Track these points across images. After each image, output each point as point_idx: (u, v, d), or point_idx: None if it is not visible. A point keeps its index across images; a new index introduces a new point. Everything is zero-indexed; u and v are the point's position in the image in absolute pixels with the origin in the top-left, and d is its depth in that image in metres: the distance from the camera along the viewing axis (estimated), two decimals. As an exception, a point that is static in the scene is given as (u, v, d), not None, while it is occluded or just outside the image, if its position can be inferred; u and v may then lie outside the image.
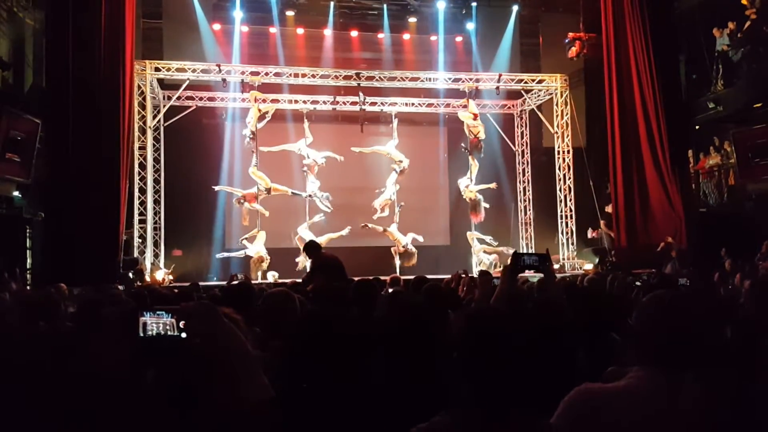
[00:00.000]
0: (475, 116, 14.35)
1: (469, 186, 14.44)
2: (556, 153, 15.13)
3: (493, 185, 14.66)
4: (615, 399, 1.83)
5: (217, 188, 14.12)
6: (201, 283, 9.45)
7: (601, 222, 14.30)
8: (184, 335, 1.54)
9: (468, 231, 14.75)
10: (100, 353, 1.53)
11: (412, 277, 6.84)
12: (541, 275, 3.67)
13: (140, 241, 13.35)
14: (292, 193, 13.98)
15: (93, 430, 1.08)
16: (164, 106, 14.15)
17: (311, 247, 7.10)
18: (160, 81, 14.02)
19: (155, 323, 1.55)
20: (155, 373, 1.50)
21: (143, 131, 13.67)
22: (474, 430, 1.54)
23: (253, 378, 1.52)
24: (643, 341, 1.89)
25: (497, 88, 14.52)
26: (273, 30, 15.45)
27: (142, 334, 1.54)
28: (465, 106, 14.48)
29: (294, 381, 1.89)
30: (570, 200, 14.89)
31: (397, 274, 12.41)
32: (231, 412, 1.42)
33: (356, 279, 4.93)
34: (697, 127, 13.77)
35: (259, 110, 13.57)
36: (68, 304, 4.98)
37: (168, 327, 1.55)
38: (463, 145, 14.68)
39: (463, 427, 1.56)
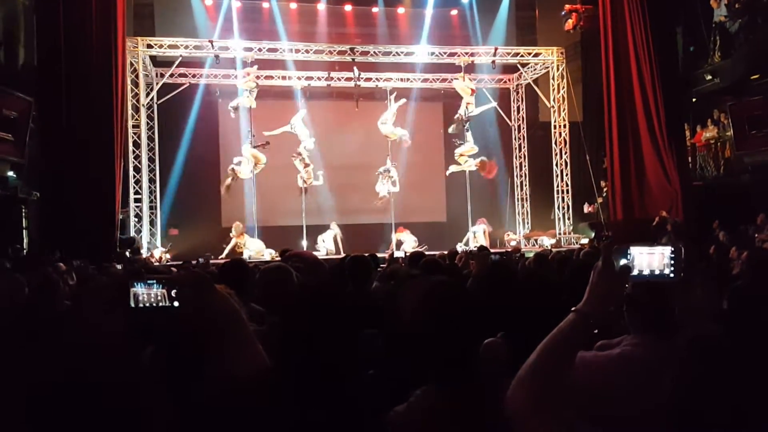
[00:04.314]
0: (473, 91, 14.21)
1: (464, 154, 14.30)
2: (552, 127, 15.06)
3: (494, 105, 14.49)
4: (613, 365, 1.84)
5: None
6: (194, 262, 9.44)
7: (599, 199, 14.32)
8: (176, 304, 1.54)
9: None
10: (94, 325, 1.52)
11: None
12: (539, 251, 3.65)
13: (136, 220, 13.33)
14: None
15: (88, 406, 1.07)
16: (157, 83, 14.01)
17: (281, 253, 6.99)
18: (153, 58, 13.86)
19: (146, 294, 1.55)
20: (153, 348, 1.50)
21: (136, 109, 13.56)
22: (454, 409, 1.53)
23: (248, 346, 1.52)
24: (634, 309, 1.90)
25: (493, 62, 14.39)
26: (266, 5, 15.24)
27: (133, 305, 1.54)
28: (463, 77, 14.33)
29: (290, 354, 1.89)
30: (566, 175, 14.88)
31: (393, 249, 12.47)
32: (226, 380, 1.42)
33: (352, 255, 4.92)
34: (694, 99, 13.70)
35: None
36: (66, 281, 4.97)
37: (159, 297, 1.55)
38: (458, 119, 14.51)
39: (441, 406, 1.54)
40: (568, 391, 1.44)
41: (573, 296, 1.50)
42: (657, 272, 1.38)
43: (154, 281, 1.58)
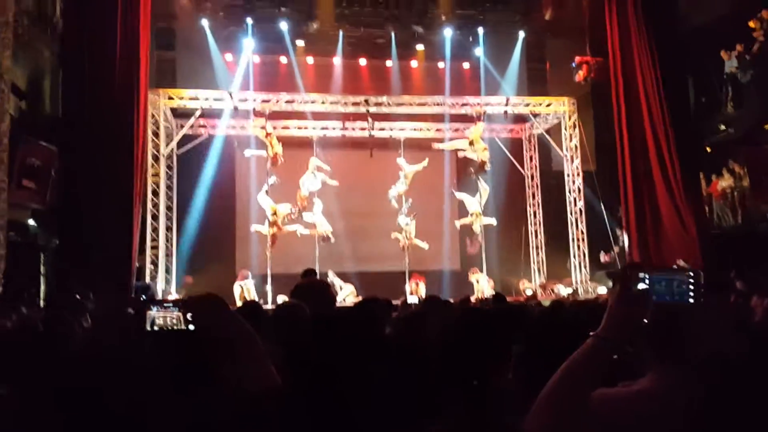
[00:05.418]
0: (471, 142, 14.29)
1: (480, 214, 14.39)
2: (565, 176, 15.11)
3: (493, 221, 14.66)
4: (632, 401, 1.80)
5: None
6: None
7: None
8: (191, 327, 1.55)
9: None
10: (109, 348, 1.53)
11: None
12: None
13: (152, 267, 13.42)
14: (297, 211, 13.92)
15: (96, 417, 1.07)
16: (177, 134, 14.34)
17: (304, 273, 6.94)
18: (173, 109, 14.24)
19: (163, 317, 1.56)
20: (162, 361, 1.50)
21: (156, 158, 13.84)
22: None
23: (261, 365, 1.51)
24: (655, 341, 1.87)
25: (505, 112, 14.59)
26: (283, 59, 15.70)
27: (149, 328, 1.55)
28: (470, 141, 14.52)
29: (301, 387, 1.88)
30: (581, 223, 14.82)
31: (407, 298, 12.39)
32: (237, 398, 1.41)
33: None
34: (708, 149, 13.72)
35: (272, 146, 13.67)
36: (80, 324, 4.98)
37: (175, 321, 1.56)
38: (471, 169, 14.71)
39: None
40: (588, 423, 1.42)
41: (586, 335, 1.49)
42: (676, 297, 1.38)
43: (170, 303, 1.59)
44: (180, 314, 1.57)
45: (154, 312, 1.58)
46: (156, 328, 1.56)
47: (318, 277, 13.01)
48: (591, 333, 1.37)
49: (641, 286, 1.39)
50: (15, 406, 1.63)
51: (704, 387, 1.73)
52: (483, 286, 13.92)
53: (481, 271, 14.51)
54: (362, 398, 1.74)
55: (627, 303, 1.37)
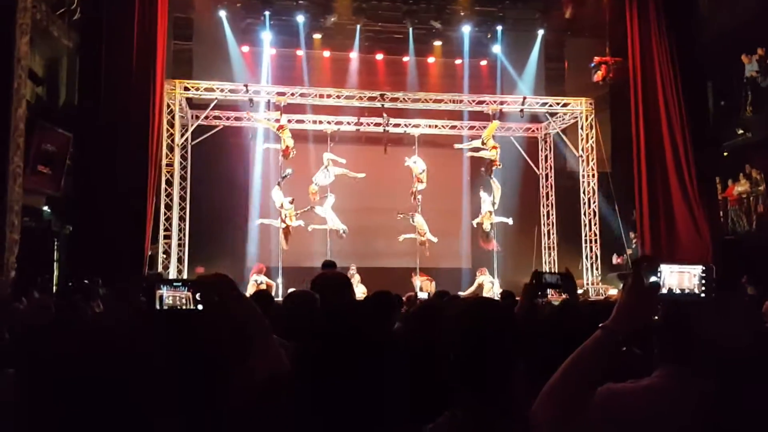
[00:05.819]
0: (483, 142, 14.23)
1: (492, 212, 14.31)
2: (580, 177, 15.01)
3: (509, 221, 14.60)
4: (638, 396, 1.79)
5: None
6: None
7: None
8: (200, 307, 1.55)
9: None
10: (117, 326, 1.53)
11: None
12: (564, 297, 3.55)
13: (164, 256, 13.51)
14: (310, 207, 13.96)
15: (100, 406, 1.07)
16: (192, 124, 14.41)
17: (323, 265, 6.97)
18: (189, 100, 14.30)
19: (171, 296, 1.57)
20: (170, 346, 1.50)
21: (171, 149, 13.90)
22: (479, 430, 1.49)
23: (270, 349, 1.51)
24: (665, 338, 1.85)
25: (521, 111, 14.51)
26: (300, 52, 15.71)
27: (158, 308, 1.55)
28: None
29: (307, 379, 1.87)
30: (595, 224, 14.72)
31: (416, 293, 12.36)
32: (246, 383, 1.41)
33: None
34: (725, 153, 13.58)
35: (284, 139, 13.67)
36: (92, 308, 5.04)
37: (184, 300, 1.56)
38: (482, 169, 14.64)
39: (468, 427, 1.51)
40: (594, 417, 1.40)
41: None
42: (687, 291, 1.36)
43: (180, 283, 1.60)
44: (189, 294, 1.58)
45: (163, 291, 1.59)
46: (165, 307, 1.57)
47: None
48: (600, 325, 1.35)
49: (653, 278, 1.37)
50: (20, 387, 1.64)
51: (714, 384, 1.71)
52: (490, 285, 13.87)
53: (492, 270, 14.45)
54: (369, 391, 1.73)
55: (637, 294, 1.35)
